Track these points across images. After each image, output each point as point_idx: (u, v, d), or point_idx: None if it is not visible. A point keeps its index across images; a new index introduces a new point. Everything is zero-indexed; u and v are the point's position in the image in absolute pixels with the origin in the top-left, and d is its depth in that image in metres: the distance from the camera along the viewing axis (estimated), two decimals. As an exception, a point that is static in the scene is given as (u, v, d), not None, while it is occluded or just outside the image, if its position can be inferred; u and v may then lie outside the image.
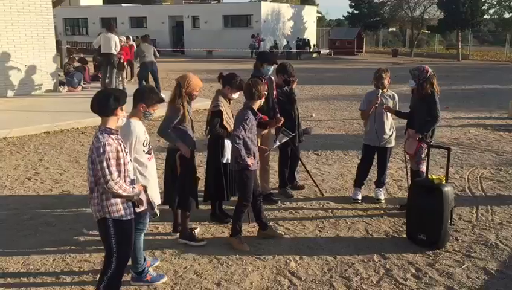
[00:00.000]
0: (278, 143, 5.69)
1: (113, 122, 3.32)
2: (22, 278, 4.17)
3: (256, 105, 4.77)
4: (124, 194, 3.28)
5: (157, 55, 13.87)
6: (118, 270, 3.43)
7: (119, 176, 3.25)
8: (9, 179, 6.91)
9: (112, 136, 3.26)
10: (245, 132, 4.60)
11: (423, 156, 5.54)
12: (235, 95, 5.25)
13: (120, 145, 3.30)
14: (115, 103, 3.27)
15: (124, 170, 3.30)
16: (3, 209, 5.79)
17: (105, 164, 3.16)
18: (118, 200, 3.31)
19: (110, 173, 3.18)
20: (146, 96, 3.88)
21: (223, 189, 5.23)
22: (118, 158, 3.24)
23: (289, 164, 6.35)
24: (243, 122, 4.60)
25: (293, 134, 5.86)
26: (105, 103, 3.25)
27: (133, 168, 3.76)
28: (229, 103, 5.29)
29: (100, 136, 3.22)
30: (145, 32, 31.09)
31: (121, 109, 3.34)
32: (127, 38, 17.56)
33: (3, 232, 5.14)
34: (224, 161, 5.11)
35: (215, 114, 5.11)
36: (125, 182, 3.30)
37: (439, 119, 5.50)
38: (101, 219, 3.35)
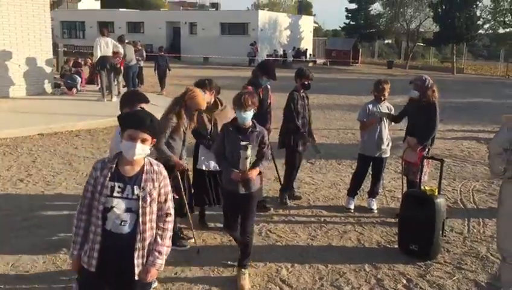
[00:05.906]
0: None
1: None
2: (9, 280, 4.13)
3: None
4: None
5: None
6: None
7: None
8: (1, 180, 6.87)
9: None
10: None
11: (425, 167, 5.60)
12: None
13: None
14: None
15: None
16: (-5, 210, 5.75)
17: None
18: None
19: None
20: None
21: (206, 194, 5.22)
22: None
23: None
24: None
25: (321, 152, 6.02)
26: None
27: None
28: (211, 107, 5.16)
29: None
30: (142, 38, 31.09)
31: None
32: (134, 42, 17.14)
33: (-7, 233, 5.11)
34: (199, 167, 5.16)
35: None
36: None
37: (437, 129, 5.70)
38: None
